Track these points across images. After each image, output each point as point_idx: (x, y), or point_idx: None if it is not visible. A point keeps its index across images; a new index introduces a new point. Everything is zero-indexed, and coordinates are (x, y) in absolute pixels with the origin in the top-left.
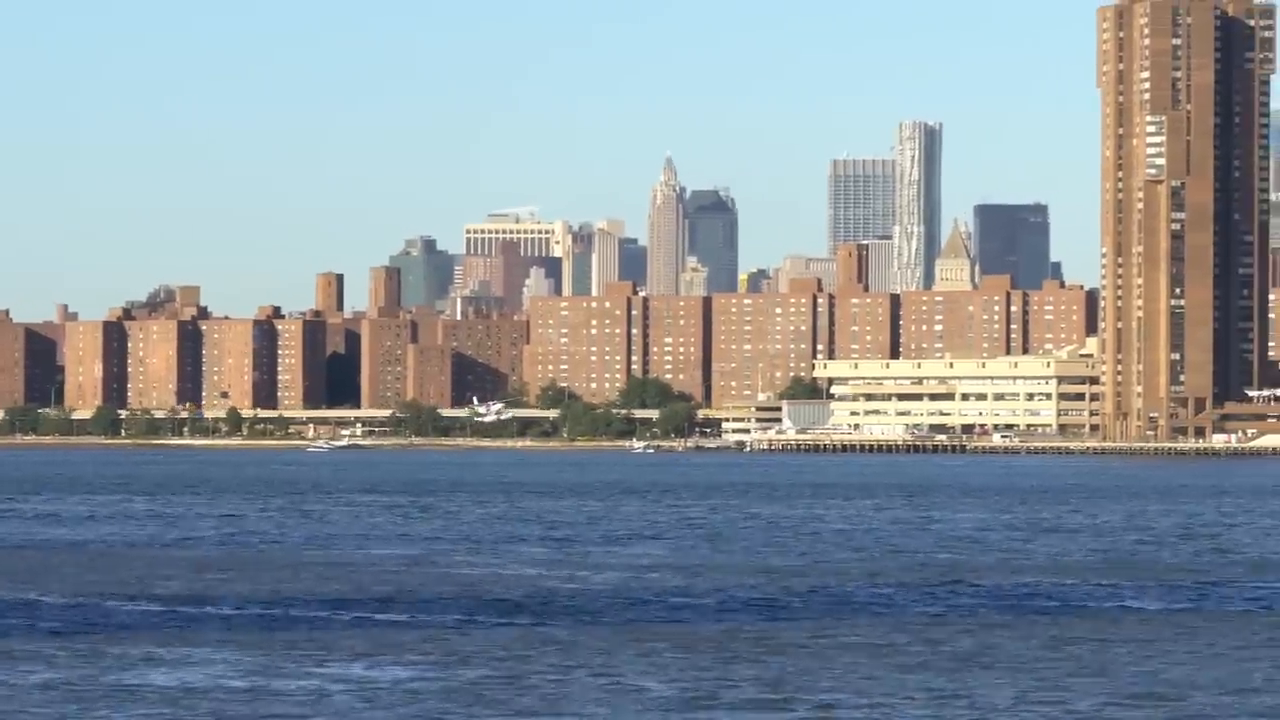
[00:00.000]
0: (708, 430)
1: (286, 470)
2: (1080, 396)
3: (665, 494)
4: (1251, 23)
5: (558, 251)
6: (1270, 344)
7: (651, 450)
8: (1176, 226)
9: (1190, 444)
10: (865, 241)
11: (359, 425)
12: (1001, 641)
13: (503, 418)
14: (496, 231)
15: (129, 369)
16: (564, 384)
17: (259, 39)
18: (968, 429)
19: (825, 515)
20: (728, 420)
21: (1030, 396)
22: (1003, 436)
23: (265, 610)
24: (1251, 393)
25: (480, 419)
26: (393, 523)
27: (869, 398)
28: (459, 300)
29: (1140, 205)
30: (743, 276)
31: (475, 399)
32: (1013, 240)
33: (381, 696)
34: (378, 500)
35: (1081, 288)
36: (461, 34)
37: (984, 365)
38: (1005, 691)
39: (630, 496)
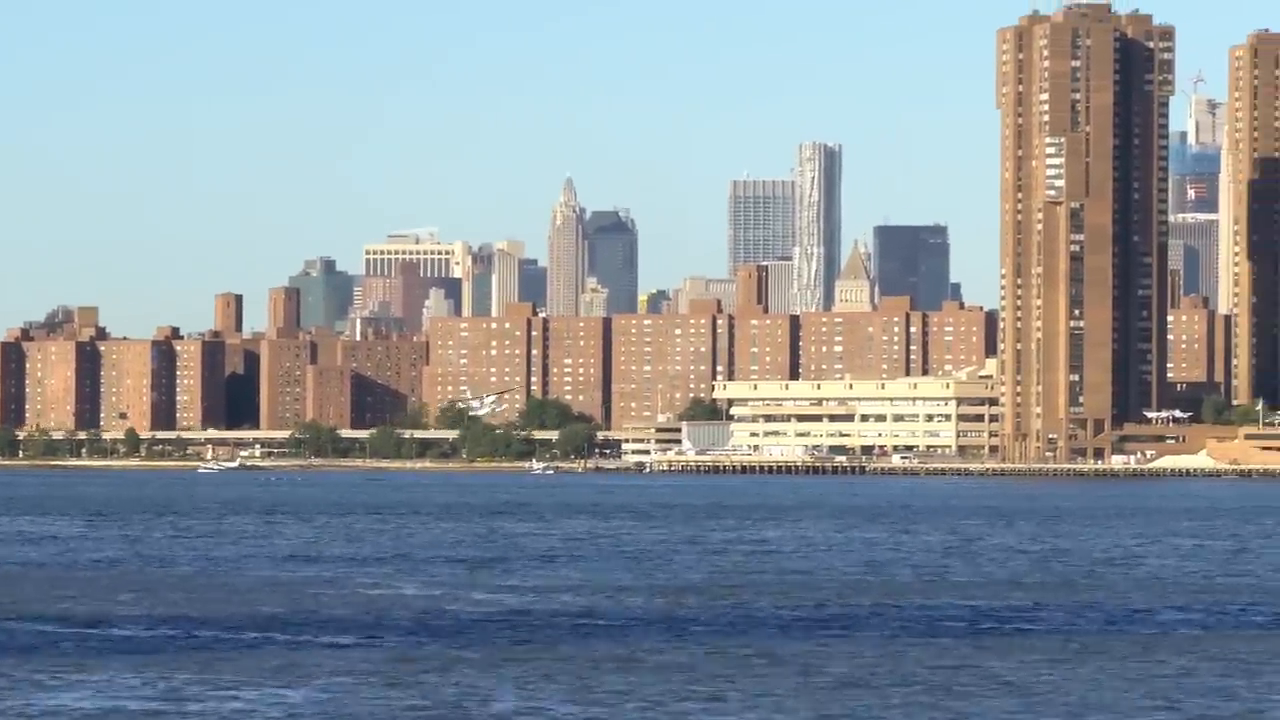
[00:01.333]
0: (607, 451)
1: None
2: (979, 418)
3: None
4: (1151, 45)
5: (457, 272)
6: (1169, 365)
7: (551, 471)
8: (1075, 248)
9: (1089, 465)
10: (765, 263)
11: (258, 446)
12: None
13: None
14: (396, 252)
15: (27, 389)
16: (464, 405)
17: (157, 54)
18: (867, 450)
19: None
20: (627, 441)
21: (929, 418)
22: (902, 458)
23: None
24: (1150, 414)
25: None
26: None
27: (768, 419)
28: (359, 321)
29: (1039, 226)
30: (642, 298)
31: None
32: (912, 261)
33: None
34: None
35: (981, 309)
36: (363, 53)
37: (883, 386)
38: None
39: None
